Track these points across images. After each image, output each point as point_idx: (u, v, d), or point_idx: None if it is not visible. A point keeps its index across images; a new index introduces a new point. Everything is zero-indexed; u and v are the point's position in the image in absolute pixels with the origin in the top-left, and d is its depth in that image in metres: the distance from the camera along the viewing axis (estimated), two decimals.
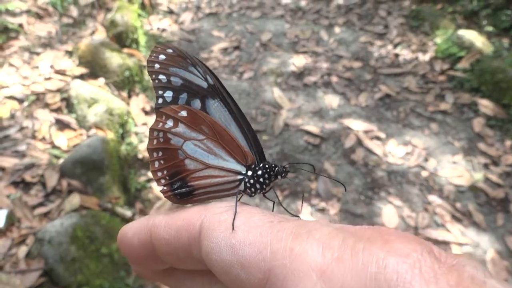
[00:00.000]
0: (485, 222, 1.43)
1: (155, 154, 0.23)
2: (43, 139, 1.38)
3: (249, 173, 0.23)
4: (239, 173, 0.23)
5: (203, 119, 0.22)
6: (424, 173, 1.60)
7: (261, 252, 0.16)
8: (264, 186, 0.23)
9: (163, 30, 2.41)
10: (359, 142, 1.73)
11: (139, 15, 2.26)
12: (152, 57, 0.23)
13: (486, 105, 1.89)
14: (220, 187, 0.23)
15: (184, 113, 0.22)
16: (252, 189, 0.23)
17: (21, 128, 1.40)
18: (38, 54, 1.78)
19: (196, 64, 0.23)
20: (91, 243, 1.09)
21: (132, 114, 1.67)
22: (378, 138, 1.76)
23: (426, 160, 1.67)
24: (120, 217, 1.24)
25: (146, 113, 1.75)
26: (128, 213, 1.27)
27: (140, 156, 1.54)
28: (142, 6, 2.43)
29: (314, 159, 1.64)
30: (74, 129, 1.46)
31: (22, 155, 1.29)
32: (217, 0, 2.87)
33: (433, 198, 1.50)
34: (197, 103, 0.23)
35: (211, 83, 0.23)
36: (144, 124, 1.69)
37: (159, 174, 0.23)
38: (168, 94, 0.23)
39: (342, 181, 1.52)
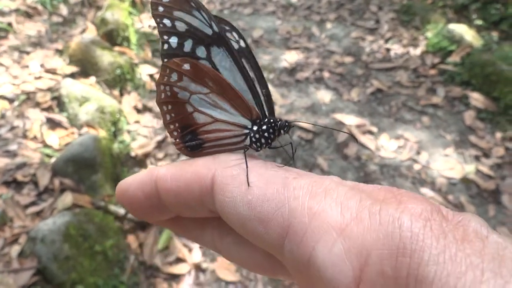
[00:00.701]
0: (477, 214, 1.44)
1: (165, 108, 0.23)
2: (35, 138, 1.38)
3: (255, 128, 0.23)
4: (245, 127, 0.23)
5: (206, 72, 0.21)
6: (416, 166, 1.61)
7: (279, 209, 0.16)
8: (269, 141, 0.23)
9: (154, 27, 2.40)
10: (352, 137, 1.73)
11: (130, 13, 2.25)
12: None
13: (476, 98, 1.90)
14: (227, 140, 0.23)
15: (187, 66, 0.22)
16: (258, 144, 0.23)
17: (12, 128, 1.39)
18: (28, 53, 1.77)
19: (200, 8, 0.22)
20: (85, 241, 1.09)
21: (124, 112, 1.66)
22: (370, 132, 1.77)
23: (418, 153, 1.68)
24: (113, 214, 1.24)
25: (138, 111, 1.75)
26: (121, 210, 1.27)
27: (132, 154, 1.53)
28: (133, 4, 2.41)
29: (307, 154, 1.64)
30: (66, 128, 1.45)
31: (13, 154, 1.29)
32: None
33: (426, 191, 1.51)
34: (202, 51, 0.22)
35: (215, 30, 0.22)
36: (137, 122, 1.69)
37: (171, 126, 0.23)
38: (173, 40, 0.22)
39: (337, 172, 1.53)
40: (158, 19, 0.22)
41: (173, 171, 0.19)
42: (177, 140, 0.23)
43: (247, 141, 0.23)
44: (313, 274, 0.15)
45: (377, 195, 0.16)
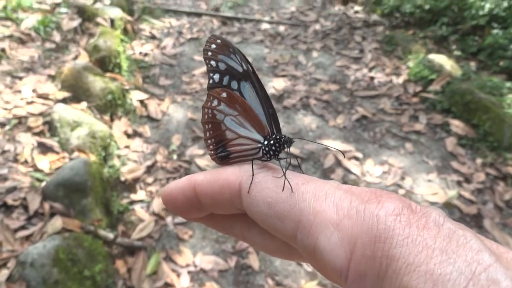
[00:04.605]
0: None
1: (206, 126, 0.29)
2: (25, 162, 1.38)
3: (265, 142, 0.29)
4: (259, 142, 0.29)
5: (236, 99, 0.28)
6: (401, 191, 1.66)
7: (292, 209, 0.21)
8: (276, 153, 0.29)
9: (146, 54, 2.45)
10: (338, 162, 1.78)
11: (122, 40, 2.30)
12: (207, 46, 0.29)
13: (457, 125, 1.98)
14: (247, 152, 0.29)
15: (224, 95, 0.29)
16: (267, 155, 0.29)
17: (3, 152, 1.40)
18: (20, 78, 1.79)
19: (236, 52, 0.29)
20: (74, 265, 1.09)
21: (114, 137, 1.68)
22: (356, 158, 1.82)
23: (402, 178, 1.73)
24: (102, 239, 1.25)
25: (129, 136, 1.77)
26: (110, 235, 1.27)
27: (122, 178, 1.55)
28: (125, 31, 2.47)
29: None
30: (57, 152, 1.47)
31: (4, 178, 1.29)
32: (198, 26, 2.94)
33: None
34: (234, 84, 0.29)
35: (245, 69, 0.29)
36: (127, 147, 1.71)
37: (209, 141, 0.29)
38: (216, 76, 0.29)
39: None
40: (207, 61, 0.29)
41: (208, 178, 0.25)
42: (213, 152, 0.30)
43: (260, 154, 0.29)
44: (318, 256, 0.20)
45: (363, 196, 0.21)
